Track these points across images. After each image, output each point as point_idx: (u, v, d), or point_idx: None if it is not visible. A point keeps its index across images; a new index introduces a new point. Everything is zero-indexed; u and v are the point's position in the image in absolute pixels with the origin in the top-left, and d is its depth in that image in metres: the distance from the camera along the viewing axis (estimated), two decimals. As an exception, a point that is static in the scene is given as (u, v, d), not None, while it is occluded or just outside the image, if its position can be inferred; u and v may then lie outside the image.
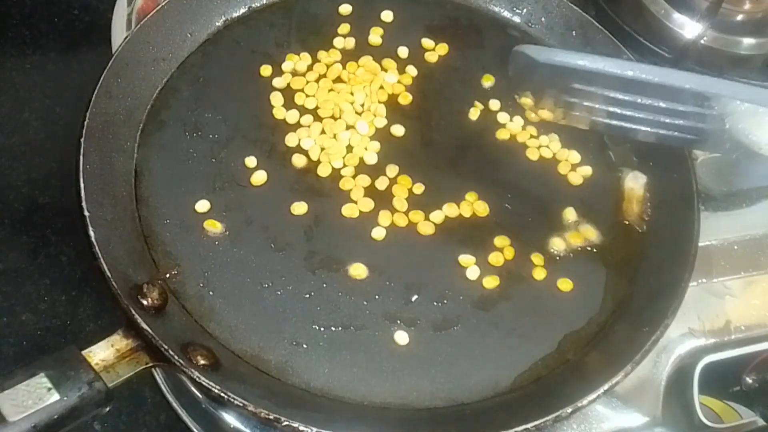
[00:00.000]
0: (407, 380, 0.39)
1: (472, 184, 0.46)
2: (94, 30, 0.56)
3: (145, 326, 0.35)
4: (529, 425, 0.36)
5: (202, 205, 0.42)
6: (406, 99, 0.49)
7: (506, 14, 0.54)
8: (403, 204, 0.44)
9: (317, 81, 0.49)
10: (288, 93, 0.48)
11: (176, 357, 0.35)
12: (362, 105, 0.48)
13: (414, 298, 0.41)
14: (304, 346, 0.39)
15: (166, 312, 0.38)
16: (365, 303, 0.41)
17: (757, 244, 0.48)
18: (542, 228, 0.45)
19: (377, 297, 0.41)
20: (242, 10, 0.51)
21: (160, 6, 0.47)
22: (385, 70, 0.50)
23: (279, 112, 0.47)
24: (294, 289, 0.41)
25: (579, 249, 0.44)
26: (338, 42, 0.51)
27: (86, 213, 0.38)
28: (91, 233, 0.37)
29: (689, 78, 0.40)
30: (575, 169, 0.48)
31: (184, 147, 0.45)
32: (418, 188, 0.45)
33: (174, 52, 0.48)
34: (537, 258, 0.43)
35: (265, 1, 0.52)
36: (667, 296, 0.40)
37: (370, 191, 0.45)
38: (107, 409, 0.34)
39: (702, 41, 0.56)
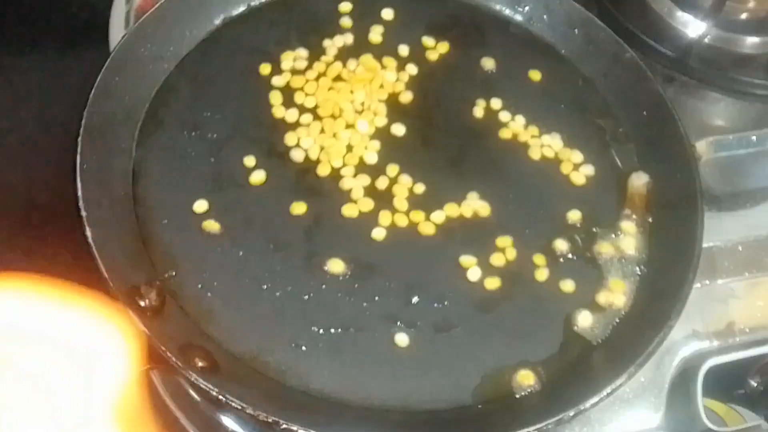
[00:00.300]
0: (408, 382, 0.39)
1: (474, 183, 0.46)
2: (92, 28, 0.55)
3: (142, 327, 0.35)
4: (531, 428, 0.35)
5: (201, 205, 0.42)
6: (406, 98, 0.49)
7: (508, 12, 0.54)
8: (403, 204, 0.44)
9: (317, 79, 0.48)
10: (287, 92, 0.47)
11: (174, 358, 0.34)
12: (362, 104, 0.48)
13: (414, 299, 0.41)
14: (304, 347, 0.39)
15: (164, 313, 0.38)
16: (365, 304, 0.41)
17: (761, 245, 0.48)
18: (544, 228, 0.44)
19: (377, 298, 0.41)
20: (241, 8, 0.51)
21: (158, 4, 0.47)
22: (386, 69, 0.49)
23: (278, 111, 0.47)
24: (293, 290, 0.40)
25: (581, 251, 0.44)
26: (338, 40, 0.50)
27: (83, 213, 0.38)
28: (89, 233, 0.37)
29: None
30: (577, 168, 0.47)
31: (183, 146, 0.44)
32: (419, 188, 0.45)
33: (172, 51, 0.48)
34: (539, 259, 0.43)
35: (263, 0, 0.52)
36: (671, 298, 0.40)
37: (370, 191, 0.44)
38: (104, 411, 0.33)
39: (706, 40, 0.56)
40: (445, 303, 0.41)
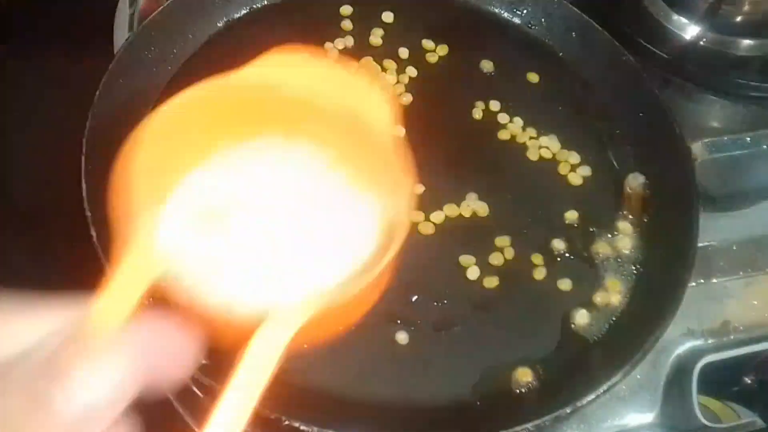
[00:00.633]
0: (407, 379, 0.39)
1: (472, 184, 0.46)
2: (96, 31, 0.56)
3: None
4: (528, 425, 0.36)
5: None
6: (406, 100, 0.49)
7: (506, 15, 0.54)
8: (403, 204, 0.44)
9: (318, 82, 0.49)
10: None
11: (178, 356, 0.35)
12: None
13: (414, 298, 0.42)
14: (305, 345, 0.39)
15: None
16: (366, 303, 0.41)
17: (756, 245, 0.48)
18: (542, 228, 0.45)
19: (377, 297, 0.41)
20: (243, 11, 0.51)
21: (162, 7, 0.47)
22: (386, 71, 0.50)
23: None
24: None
25: (578, 251, 0.45)
26: (339, 42, 0.51)
27: (88, 213, 0.38)
28: (93, 234, 0.38)
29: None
30: (575, 169, 0.48)
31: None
32: (419, 188, 0.45)
33: (176, 53, 0.48)
34: (537, 258, 0.44)
35: (266, 2, 0.52)
36: (667, 297, 0.40)
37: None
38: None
39: (701, 43, 0.56)
40: (445, 302, 0.42)
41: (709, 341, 0.44)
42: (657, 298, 0.41)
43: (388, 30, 0.52)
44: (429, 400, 0.39)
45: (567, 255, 0.44)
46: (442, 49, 0.52)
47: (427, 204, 0.45)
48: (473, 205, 0.45)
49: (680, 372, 0.43)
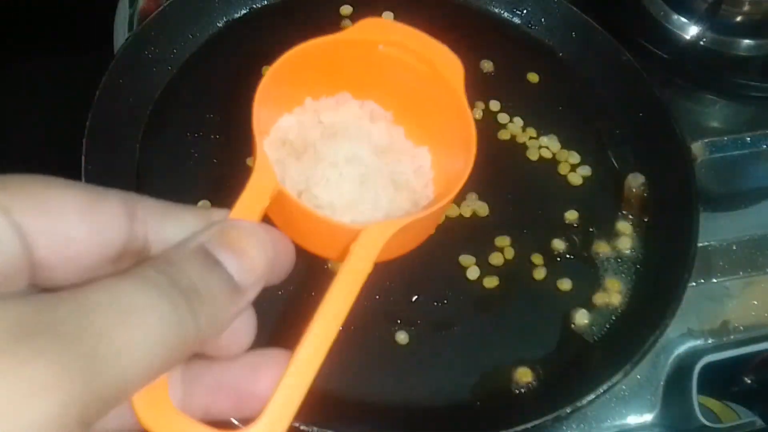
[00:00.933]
0: (407, 380, 0.39)
1: (473, 184, 0.46)
2: (96, 31, 0.56)
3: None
4: (528, 425, 0.36)
5: (204, 206, 0.43)
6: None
7: (506, 15, 0.54)
8: (403, 204, 0.45)
9: (318, 82, 0.49)
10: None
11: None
12: (363, 106, 0.48)
13: (414, 298, 0.42)
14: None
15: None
16: (365, 303, 0.41)
17: (756, 245, 0.48)
18: (542, 228, 0.45)
19: (377, 297, 0.41)
20: (243, 11, 0.51)
21: (161, 7, 0.47)
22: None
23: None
24: (295, 288, 0.41)
25: (578, 251, 0.45)
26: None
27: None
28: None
29: None
30: (575, 169, 0.48)
31: (186, 147, 0.45)
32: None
33: (176, 53, 0.48)
34: (537, 258, 0.44)
35: (266, 2, 0.52)
36: (667, 296, 0.40)
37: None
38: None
39: (701, 42, 0.56)
40: (445, 302, 0.42)
41: (709, 341, 0.44)
42: (657, 298, 0.41)
43: (388, 30, 0.52)
44: (429, 400, 0.39)
45: (567, 255, 0.44)
46: (442, 49, 0.52)
47: (427, 204, 0.45)
48: (473, 205, 0.45)
49: (680, 372, 0.43)
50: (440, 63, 0.27)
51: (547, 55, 0.53)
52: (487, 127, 0.49)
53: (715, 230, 0.48)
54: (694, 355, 0.43)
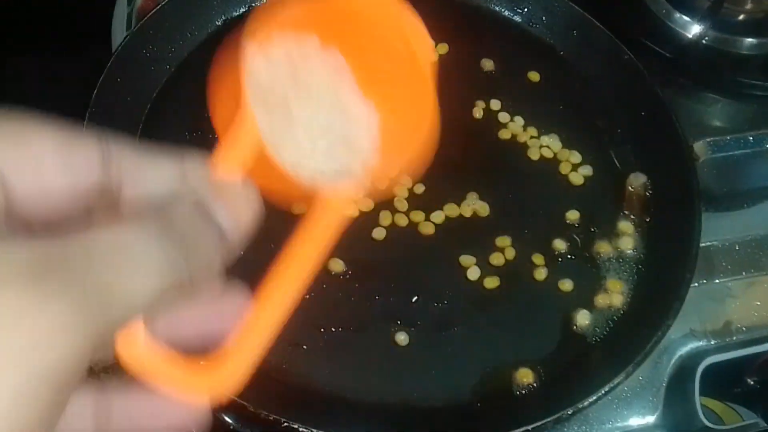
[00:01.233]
0: (407, 381, 0.39)
1: (473, 184, 0.46)
2: (94, 30, 0.55)
3: (144, 327, 0.35)
4: (529, 426, 0.35)
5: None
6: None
7: (507, 14, 0.54)
8: (403, 204, 0.44)
9: (317, 81, 0.49)
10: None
11: (176, 357, 0.34)
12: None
13: (414, 298, 0.41)
14: (304, 347, 0.39)
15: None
16: (365, 304, 0.41)
17: (758, 245, 0.48)
18: (543, 228, 0.45)
19: (377, 297, 0.41)
20: (242, 9, 0.51)
21: (160, 5, 0.47)
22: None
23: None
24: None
25: (580, 251, 0.44)
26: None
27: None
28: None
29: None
30: (576, 169, 0.48)
31: (185, 146, 0.45)
32: (419, 188, 0.45)
33: (174, 52, 0.48)
34: (538, 258, 0.43)
35: (265, 0, 0.52)
36: (669, 297, 0.40)
37: (370, 191, 0.45)
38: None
39: (703, 41, 0.56)
40: (445, 302, 0.41)
41: (712, 342, 0.44)
42: (659, 298, 0.41)
43: (388, 28, 0.52)
44: (429, 402, 0.38)
45: (568, 255, 0.44)
46: (442, 48, 0.51)
47: (427, 204, 0.45)
48: (474, 205, 0.45)
49: (682, 373, 0.43)
50: (415, 42, 0.26)
51: (548, 54, 0.53)
52: (488, 126, 0.49)
53: (717, 230, 0.47)
54: (697, 356, 0.43)
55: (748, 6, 0.57)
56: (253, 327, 0.20)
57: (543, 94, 0.51)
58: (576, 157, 0.48)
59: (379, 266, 0.42)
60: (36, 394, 0.13)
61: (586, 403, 0.36)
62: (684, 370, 0.43)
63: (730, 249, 0.47)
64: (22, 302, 0.13)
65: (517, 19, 0.54)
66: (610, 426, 0.41)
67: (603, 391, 0.37)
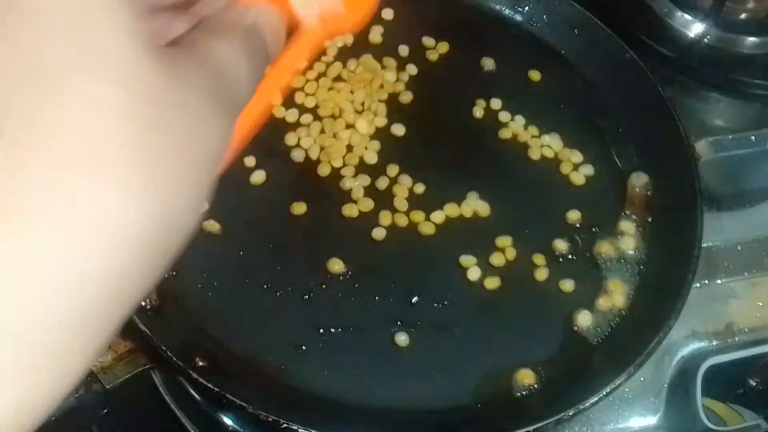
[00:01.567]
0: (408, 382, 0.39)
1: (474, 183, 0.46)
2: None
3: (143, 327, 0.35)
4: (530, 428, 0.35)
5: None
6: (406, 98, 0.49)
7: (508, 12, 0.54)
8: (403, 204, 0.44)
9: (317, 79, 0.48)
10: (287, 92, 0.47)
11: (175, 358, 0.34)
12: (362, 104, 0.48)
13: (414, 299, 0.41)
14: (304, 347, 0.39)
15: (164, 313, 0.38)
16: (365, 304, 0.41)
17: (761, 245, 0.48)
18: (544, 228, 0.45)
19: (377, 298, 0.41)
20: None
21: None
22: (386, 69, 0.50)
23: (278, 111, 0.47)
24: (293, 290, 0.40)
25: (581, 251, 0.44)
26: (338, 40, 0.50)
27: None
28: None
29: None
30: (577, 168, 0.47)
31: None
32: (419, 188, 0.45)
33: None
34: (539, 258, 0.43)
35: (264, 0, 0.51)
36: (671, 297, 0.40)
37: (371, 191, 0.45)
38: (105, 411, 0.34)
39: (705, 40, 0.56)
40: (445, 303, 0.41)
41: (714, 343, 0.44)
42: (660, 299, 0.41)
43: (388, 27, 0.51)
44: (429, 403, 0.38)
45: (569, 255, 0.44)
46: (443, 47, 0.51)
47: (427, 203, 0.44)
48: (474, 205, 0.45)
49: (684, 374, 0.43)
50: None
51: (549, 53, 0.52)
52: (489, 125, 0.48)
53: (719, 230, 0.47)
54: (699, 357, 0.43)
55: (751, 5, 0.57)
56: None
57: (544, 94, 0.51)
58: (577, 156, 0.48)
59: (379, 266, 0.42)
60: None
61: (587, 404, 0.36)
62: (686, 371, 0.43)
63: (733, 249, 0.47)
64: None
65: (518, 17, 0.54)
66: (611, 427, 0.41)
67: (604, 392, 0.36)
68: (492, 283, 0.42)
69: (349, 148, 0.46)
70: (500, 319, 0.41)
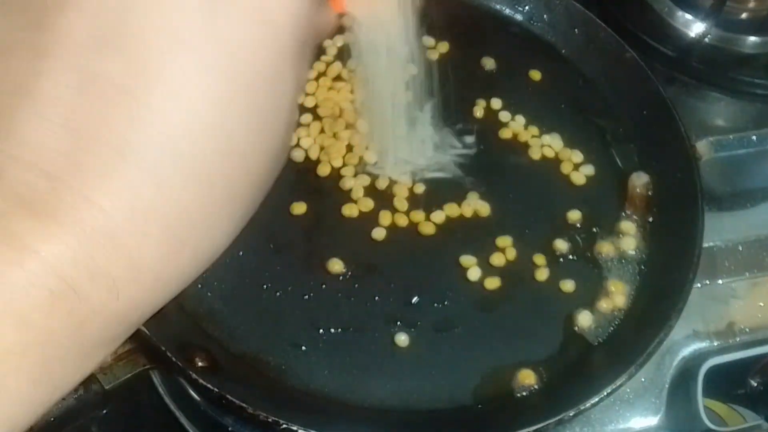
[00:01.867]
0: (407, 382, 0.39)
1: (474, 183, 0.46)
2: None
3: (142, 327, 0.34)
4: (531, 428, 0.35)
5: None
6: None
7: (508, 12, 0.54)
8: (403, 204, 0.44)
9: (317, 79, 0.48)
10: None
11: (174, 358, 0.34)
12: (362, 103, 0.48)
13: (414, 299, 0.41)
14: (303, 347, 0.39)
15: (163, 313, 0.37)
16: (365, 304, 0.41)
17: (762, 245, 0.47)
18: (544, 228, 0.44)
19: (377, 298, 0.41)
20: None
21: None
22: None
23: (278, 111, 0.47)
24: (293, 290, 0.40)
25: (581, 251, 0.44)
26: (338, 39, 0.50)
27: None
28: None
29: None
30: (578, 168, 0.47)
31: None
32: (419, 188, 0.45)
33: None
34: (539, 258, 0.43)
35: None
36: (671, 297, 0.40)
37: (371, 191, 0.44)
38: (104, 411, 0.34)
39: (706, 39, 0.56)
40: (445, 303, 0.41)
41: (715, 343, 0.44)
42: (661, 299, 0.41)
43: (389, 27, 0.51)
44: (429, 403, 0.38)
45: (570, 255, 0.44)
46: (443, 46, 0.51)
47: (427, 204, 0.44)
48: (474, 205, 0.45)
49: (685, 374, 0.43)
50: None
51: (550, 53, 0.52)
52: (489, 125, 0.48)
53: (720, 230, 0.47)
54: (700, 357, 0.43)
55: (751, 4, 0.56)
56: None
57: (544, 93, 0.51)
58: (578, 156, 0.48)
59: (379, 266, 0.42)
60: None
61: (588, 404, 0.36)
62: (687, 371, 0.43)
63: (734, 249, 0.47)
64: None
65: (518, 17, 0.54)
66: (612, 428, 0.41)
67: (605, 393, 0.36)
68: (492, 283, 0.42)
69: (349, 147, 0.46)
70: (500, 319, 0.41)
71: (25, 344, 0.15)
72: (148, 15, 0.17)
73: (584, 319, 0.41)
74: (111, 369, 0.34)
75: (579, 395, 0.36)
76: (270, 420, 0.34)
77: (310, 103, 0.47)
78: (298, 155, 0.45)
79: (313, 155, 0.45)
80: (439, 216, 0.44)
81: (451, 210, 0.44)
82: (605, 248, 0.44)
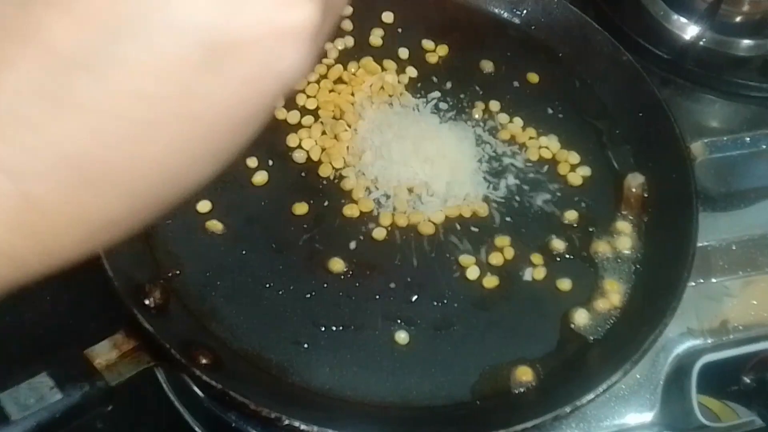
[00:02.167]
0: (407, 379, 0.39)
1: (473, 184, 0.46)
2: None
3: (147, 325, 0.35)
4: (528, 424, 0.36)
5: (204, 206, 0.43)
6: (406, 100, 0.49)
7: (506, 15, 0.54)
8: (403, 204, 0.45)
9: (318, 82, 0.49)
10: (289, 93, 0.48)
11: (178, 355, 0.35)
12: (362, 105, 0.48)
13: (414, 297, 0.42)
14: (305, 345, 0.39)
15: (168, 311, 0.38)
16: (366, 303, 0.41)
17: (755, 245, 0.48)
18: (542, 228, 0.45)
19: (377, 297, 0.41)
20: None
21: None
22: (386, 71, 0.50)
23: (280, 113, 0.47)
24: (295, 288, 0.41)
25: (578, 250, 0.45)
26: (339, 42, 0.51)
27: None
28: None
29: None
30: (574, 169, 0.48)
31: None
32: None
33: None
34: (536, 258, 0.44)
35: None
36: (666, 296, 0.40)
37: (371, 191, 0.45)
38: (109, 407, 0.34)
39: (701, 42, 0.56)
40: (444, 301, 0.42)
41: (709, 341, 0.44)
42: (656, 297, 0.41)
43: (388, 30, 0.52)
44: (428, 400, 0.39)
45: (566, 255, 0.44)
46: (442, 49, 0.52)
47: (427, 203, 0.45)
48: (473, 205, 0.45)
49: (679, 371, 0.43)
50: None
51: (547, 56, 0.53)
52: (487, 127, 0.49)
53: (714, 230, 0.48)
54: (694, 354, 0.43)
55: (745, 8, 0.57)
56: None
57: (542, 96, 0.51)
58: (574, 157, 0.48)
59: (379, 266, 0.42)
60: None
61: (584, 401, 0.37)
62: (681, 368, 0.43)
63: (727, 248, 0.48)
64: None
65: (516, 21, 0.54)
66: (607, 424, 0.42)
67: (601, 389, 0.37)
68: (490, 281, 0.43)
69: (350, 149, 0.47)
70: (498, 318, 0.42)
71: None
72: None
73: (580, 317, 0.42)
74: (116, 366, 0.35)
75: (575, 392, 0.37)
76: (272, 416, 0.34)
77: (311, 105, 0.48)
78: (300, 156, 0.46)
79: (315, 156, 0.46)
80: (438, 216, 0.44)
81: (450, 210, 0.45)
82: (601, 247, 0.45)
